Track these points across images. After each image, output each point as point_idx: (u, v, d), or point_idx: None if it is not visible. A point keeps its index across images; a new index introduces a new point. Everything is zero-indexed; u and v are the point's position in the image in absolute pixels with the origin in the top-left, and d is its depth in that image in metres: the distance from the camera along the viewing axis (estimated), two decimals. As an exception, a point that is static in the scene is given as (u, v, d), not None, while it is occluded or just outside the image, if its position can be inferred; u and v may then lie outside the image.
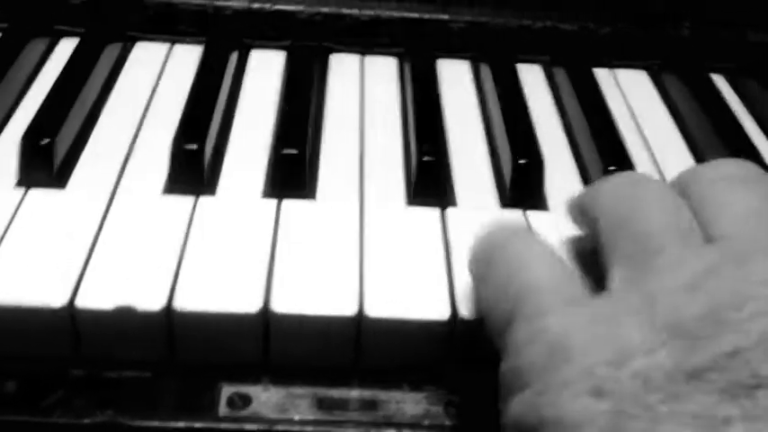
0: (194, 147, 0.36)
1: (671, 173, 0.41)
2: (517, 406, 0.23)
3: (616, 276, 0.25)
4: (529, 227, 0.35)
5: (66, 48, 0.45)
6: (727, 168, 0.28)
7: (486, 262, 0.28)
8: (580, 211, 0.30)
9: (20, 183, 0.36)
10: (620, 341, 0.22)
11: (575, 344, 0.22)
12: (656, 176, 0.40)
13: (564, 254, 0.32)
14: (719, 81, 0.48)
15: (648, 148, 0.42)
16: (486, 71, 0.47)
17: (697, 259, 0.23)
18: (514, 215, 0.36)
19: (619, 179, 0.29)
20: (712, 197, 0.26)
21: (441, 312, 0.30)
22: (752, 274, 0.22)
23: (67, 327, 0.29)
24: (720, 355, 0.21)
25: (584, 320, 0.23)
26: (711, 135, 0.42)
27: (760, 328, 0.21)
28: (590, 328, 0.23)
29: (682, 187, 0.28)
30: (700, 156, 0.42)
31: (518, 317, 0.25)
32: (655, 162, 0.41)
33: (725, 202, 0.26)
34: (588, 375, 0.21)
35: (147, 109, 0.42)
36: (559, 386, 0.22)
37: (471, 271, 0.29)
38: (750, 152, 0.40)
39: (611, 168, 0.38)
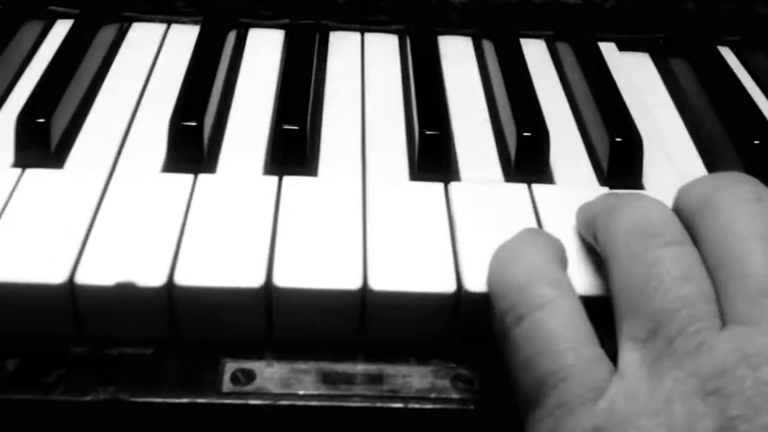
0: (193, 123, 0.36)
1: (675, 147, 0.40)
2: None
3: (630, 359, 0.25)
4: (533, 201, 0.35)
5: (61, 29, 0.45)
6: (743, 195, 0.26)
7: (507, 310, 0.27)
8: (590, 232, 0.29)
9: (17, 163, 0.35)
10: None
11: None
12: (663, 152, 0.39)
13: (571, 233, 0.31)
14: (727, 54, 0.48)
15: (654, 122, 0.42)
16: (488, 46, 0.46)
17: (711, 353, 0.23)
18: (519, 189, 0.36)
19: (632, 222, 0.27)
20: (726, 253, 0.25)
21: (445, 285, 0.30)
22: (764, 380, 0.22)
23: (68, 303, 0.29)
24: None
25: (608, 421, 0.23)
26: (717, 108, 0.41)
27: None
28: (601, 428, 0.23)
29: (693, 219, 0.26)
30: (700, 131, 0.41)
31: (542, 405, 0.25)
32: (660, 136, 0.41)
33: (744, 269, 0.24)
34: None
35: (144, 89, 0.41)
36: None
37: (495, 328, 0.28)
38: (762, 127, 0.39)
39: (618, 140, 0.37)
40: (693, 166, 0.39)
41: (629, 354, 0.25)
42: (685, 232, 0.27)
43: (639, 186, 0.37)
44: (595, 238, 0.29)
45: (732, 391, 0.22)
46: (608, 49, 0.47)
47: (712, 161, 0.40)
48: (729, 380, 0.22)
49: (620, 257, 0.27)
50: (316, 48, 0.45)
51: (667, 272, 0.25)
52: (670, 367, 0.23)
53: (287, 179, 0.35)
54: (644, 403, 0.23)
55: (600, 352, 0.25)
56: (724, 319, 0.24)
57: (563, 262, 0.28)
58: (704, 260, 0.26)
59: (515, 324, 0.26)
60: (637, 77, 0.46)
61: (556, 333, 0.25)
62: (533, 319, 0.26)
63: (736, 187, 0.27)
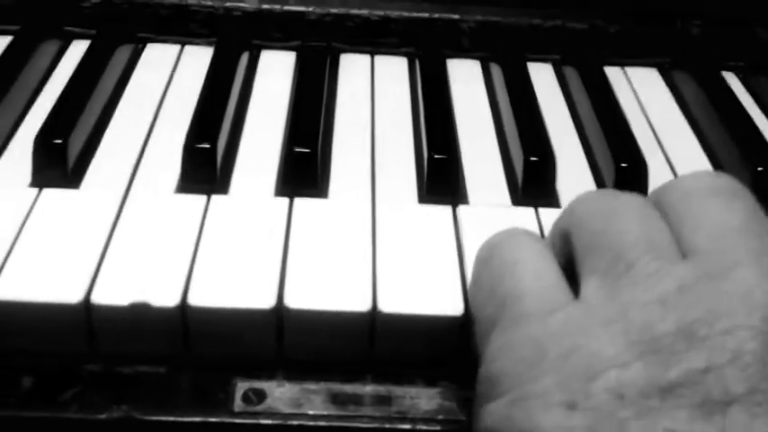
0: (207, 145, 0.37)
1: (683, 170, 0.41)
2: (491, 414, 0.23)
3: (590, 286, 0.25)
4: (540, 225, 0.35)
5: (77, 50, 0.46)
6: (705, 181, 0.27)
7: (482, 262, 0.28)
8: (560, 234, 0.30)
9: (34, 182, 0.36)
10: (593, 354, 0.22)
11: (549, 355, 0.23)
12: (669, 175, 0.40)
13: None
14: (731, 79, 0.48)
15: (661, 146, 0.42)
16: (496, 70, 0.47)
17: (671, 274, 0.23)
18: (526, 213, 0.36)
19: (594, 194, 0.28)
20: (688, 211, 0.26)
21: (454, 308, 0.30)
22: (725, 290, 0.22)
23: (83, 323, 0.30)
24: (693, 372, 0.21)
25: (560, 331, 0.23)
26: (724, 133, 0.42)
27: (732, 345, 0.21)
28: (565, 339, 0.23)
29: (659, 200, 0.27)
30: (712, 153, 0.42)
31: (499, 323, 0.25)
32: (668, 160, 0.41)
33: (701, 216, 0.25)
34: (562, 388, 0.22)
35: (158, 109, 0.42)
36: (534, 397, 0.22)
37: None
38: (764, 150, 0.40)
39: (624, 165, 0.38)
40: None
41: (589, 283, 0.25)
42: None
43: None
44: (564, 238, 0.29)
45: (692, 301, 0.22)
46: (614, 74, 0.48)
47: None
48: (689, 292, 0.22)
49: (582, 220, 0.27)
50: (326, 70, 0.45)
51: (628, 216, 0.26)
52: (627, 285, 0.23)
53: (298, 201, 0.35)
54: (599, 315, 0.23)
55: (563, 283, 0.25)
56: (685, 255, 0.24)
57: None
58: (668, 216, 0.26)
59: (487, 260, 0.27)
60: (645, 98, 0.46)
61: (520, 260, 0.26)
62: (501, 252, 0.27)
63: (700, 175, 0.28)
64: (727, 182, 0.27)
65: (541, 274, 0.26)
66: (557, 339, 0.23)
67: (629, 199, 0.27)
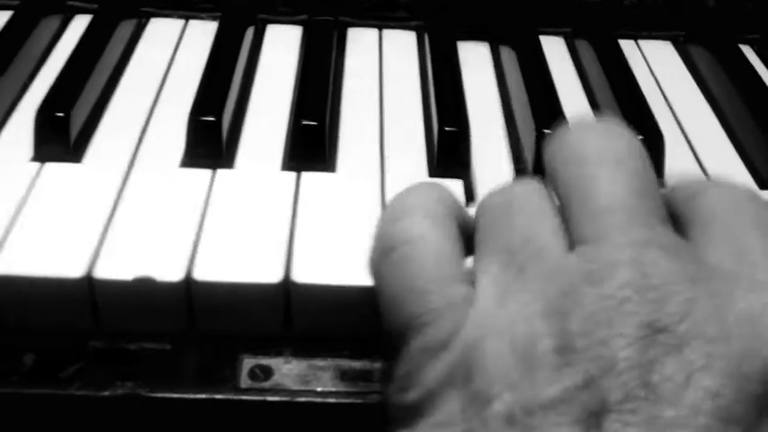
0: (211, 119, 0.36)
1: (700, 144, 0.40)
2: None
3: (482, 286, 0.24)
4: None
5: (79, 25, 0.45)
6: (592, 144, 0.26)
7: (382, 255, 0.26)
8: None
9: (36, 157, 0.35)
10: (488, 375, 0.22)
11: (455, 381, 0.22)
12: (686, 148, 0.39)
13: None
14: (747, 52, 0.47)
15: (677, 120, 0.41)
16: (506, 50, 0.46)
17: (554, 278, 0.23)
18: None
19: (499, 188, 0.27)
20: (575, 190, 0.25)
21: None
22: (605, 294, 0.21)
23: (86, 298, 0.29)
24: (572, 387, 0.20)
25: (461, 354, 0.23)
26: (741, 105, 0.41)
27: (610, 354, 0.20)
28: (465, 362, 0.22)
29: (551, 168, 0.26)
30: (729, 126, 0.41)
31: (408, 347, 0.24)
32: (684, 133, 0.40)
33: (586, 195, 0.24)
34: (462, 418, 0.22)
35: (162, 84, 0.41)
36: (435, 429, 0.22)
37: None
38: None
39: (640, 139, 0.37)
40: (726, 154, 0.39)
41: (483, 285, 0.24)
42: (539, 180, 0.27)
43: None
44: None
45: (572, 309, 0.22)
46: (628, 47, 0.46)
47: (742, 151, 0.39)
48: (571, 299, 0.22)
49: (482, 209, 0.27)
50: (334, 44, 0.44)
51: (520, 209, 0.25)
52: (516, 292, 0.23)
53: (305, 175, 0.34)
54: (490, 327, 0.23)
55: (467, 291, 0.25)
56: (572, 245, 0.24)
57: (450, 203, 0.27)
58: (558, 197, 0.26)
59: (382, 259, 0.26)
60: (660, 71, 0.45)
61: (422, 272, 0.25)
62: (399, 253, 0.25)
63: (591, 133, 0.27)
64: (609, 142, 0.26)
65: (447, 280, 0.25)
66: (458, 366, 0.23)
67: (524, 190, 0.26)
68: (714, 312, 0.21)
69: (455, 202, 0.27)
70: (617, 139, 0.26)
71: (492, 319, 0.23)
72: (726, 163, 0.39)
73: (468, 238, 0.27)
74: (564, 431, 0.20)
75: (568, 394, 0.20)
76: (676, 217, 0.26)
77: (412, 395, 0.24)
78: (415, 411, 0.23)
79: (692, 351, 0.20)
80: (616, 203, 0.24)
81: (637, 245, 0.22)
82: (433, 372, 0.23)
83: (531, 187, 0.26)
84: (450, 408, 0.22)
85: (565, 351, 0.21)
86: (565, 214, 0.25)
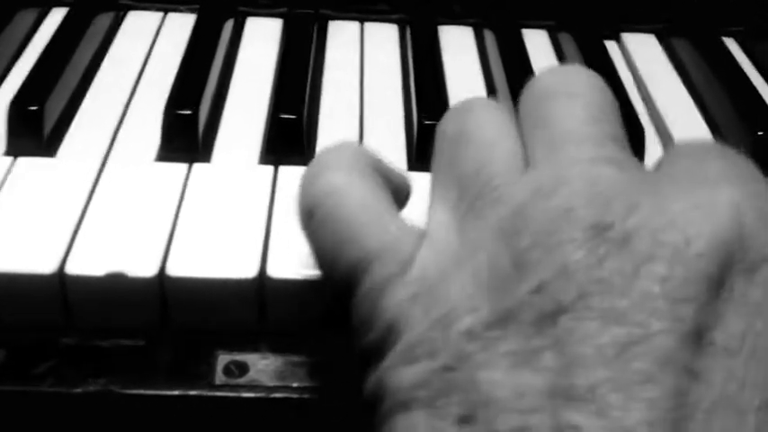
0: (187, 112, 0.35)
1: (680, 136, 0.39)
2: (370, 383, 0.23)
3: (438, 217, 0.25)
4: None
5: (56, 17, 0.44)
6: (552, 80, 0.26)
7: (304, 216, 0.26)
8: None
9: (8, 151, 0.35)
10: (449, 303, 0.22)
11: (410, 313, 0.23)
12: (661, 145, 0.38)
13: None
14: (731, 44, 0.47)
15: (658, 113, 0.41)
16: (489, 37, 0.45)
17: (506, 200, 0.23)
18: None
19: (452, 110, 0.27)
20: (533, 117, 0.26)
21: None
22: (554, 205, 0.22)
23: (58, 294, 0.28)
24: (526, 293, 0.21)
25: (420, 288, 0.23)
26: (724, 99, 0.41)
27: (560, 258, 0.21)
28: (424, 295, 0.23)
29: (519, 109, 0.27)
30: (711, 119, 0.41)
31: (357, 292, 0.24)
32: (666, 127, 0.40)
33: (543, 122, 0.25)
34: (425, 340, 0.22)
35: (139, 78, 0.40)
36: (401, 356, 0.22)
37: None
38: (764, 115, 0.39)
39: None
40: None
41: (438, 216, 0.25)
42: (501, 106, 0.27)
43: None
44: None
45: (524, 225, 0.22)
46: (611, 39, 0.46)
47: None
48: (522, 215, 0.22)
49: (436, 142, 0.27)
50: (314, 37, 0.44)
51: (472, 140, 0.25)
52: (472, 220, 0.23)
53: (283, 169, 0.34)
54: (450, 260, 0.23)
55: (403, 223, 0.25)
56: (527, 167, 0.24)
57: (367, 157, 0.27)
58: (520, 125, 0.26)
59: (308, 221, 0.25)
60: (642, 63, 0.45)
61: (352, 219, 0.24)
62: (324, 210, 0.25)
63: (555, 73, 0.27)
64: (568, 78, 0.26)
65: (379, 221, 0.24)
66: (418, 296, 0.23)
67: (481, 115, 0.26)
68: (659, 208, 0.21)
69: (373, 155, 0.27)
70: (574, 74, 0.27)
71: (451, 250, 0.23)
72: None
73: (394, 192, 0.27)
74: (522, 335, 0.20)
75: (523, 300, 0.21)
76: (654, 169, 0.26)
77: (373, 335, 0.23)
78: (381, 348, 0.23)
79: (639, 242, 0.21)
80: (569, 131, 0.24)
81: (586, 161, 0.23)
82: (390, 305, 0.23)
83: (484, 111, 0.26)
84: (412, 334, 0.22)
85: (519, 265, 0.21)
86: (524, 140, 0.25)
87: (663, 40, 0.47)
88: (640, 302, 0.20)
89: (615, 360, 0.19)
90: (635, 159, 0.24)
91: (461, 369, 0.21)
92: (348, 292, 0.24)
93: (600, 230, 0.21)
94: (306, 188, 0.26)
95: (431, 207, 0.25)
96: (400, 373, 0.22)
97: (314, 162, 0.27)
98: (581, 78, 0.26)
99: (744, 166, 0.24)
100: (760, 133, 0.37)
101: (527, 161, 0.25)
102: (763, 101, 0.40)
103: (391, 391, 0.22)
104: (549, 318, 0.20)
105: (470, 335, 0.21)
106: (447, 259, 0.23)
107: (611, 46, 0.46)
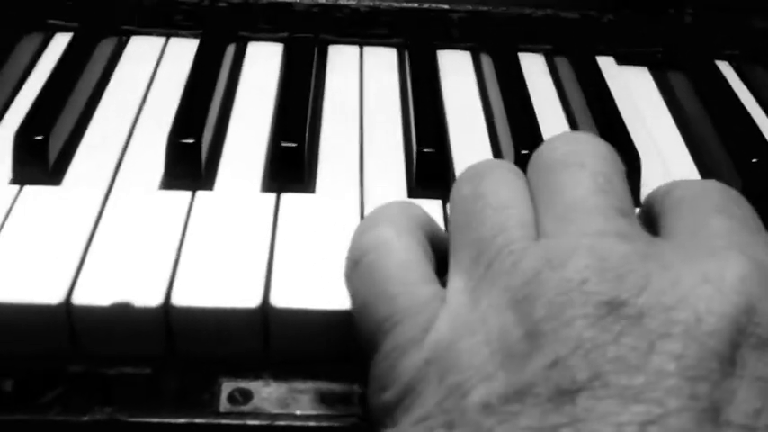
0: (191, 141, 0.36)
1: (674, 164, 0.40)
2: None
3: (454, 286, 0.25)
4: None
5: (60, 43, 0.45)
6: (560, 150, 0.27)
7: (350, 268, 0.28)
8: None
9: (14, 179, 0.35)
10: (463, 371, 0.22)
11: (430, 377, 0.23)
12: (661, 170, 0.39)
13: None
14: (725, 68, 0.48)
15: (652, 138, 0.42)
16: (487, 61, 0.46)
17: (519, 268, 0.23)
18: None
19: (465, 174, 0.28)
20: (543, 186, 0.26)
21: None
22: (566, 278, 0.22)
23: (65, 324, 0.29)
24: (543, 368, 0.21)
25: (435, 353, 0.23)
26: (716, 125, 0.41)
27: (575, 334, 0.21)
28: (440, 361, 0.23)
29: (529, 170, 0.28)
30: (698, 147, 0.41)
31: (380, 350, 0.25)
32: (659, 151, 0.41)
33: (552, 191, 0.26)
34: (441, 410, 0.22)
35: (143, 104, 0.41)
36: (420, 422, 0.23)
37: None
38: (759, 142, 0.39)
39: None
40: (690, 177, 0.40)
41: (455, 282, 0.25)
42: (516, 169, 0.28)
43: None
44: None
45: (537, 295, 0.22)
46: (606, 63, 0.47)
47: (710, 175, 0.40)
48: (535, 285, 0.22)
49: (453, 203, 0.28)
50: (314, 62, 0.45)
51: (488, 203, 0.26)
52: (487, 288, 0.24)
53: (285, 196, 0.34)
54: (463, 326, 0.23)
55: (435, 288, 0.25)
56: (539, 236, 0.25)
57: (416, 215, 0.28)
58: (531, 191, 0.27)
59: (352, 269, 0.27)
60: (635, 91, 0.46)
61: (389, 276, 0.26)
62: (367, 261, 0.26)
63: (560, 142, 0.28)
64: (577, 147, 0.27)
65: (414, 282, 0.25)
66: (433, 362, 0.23)
67: (491, 180, 0.27)
68: (669, 282, 0.22)
69: (423, 214, 0.28)
70: (582, 143, 0.27)
71: (465, 316, 0.24)
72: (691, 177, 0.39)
73: (441, 251, 0.27)
74: (537, 411, 0.21)
75: (539, 375, 0.21)
76: (656, 215, 0.27)
77: (389, 395, 0.24)
78: (396, 410, 0.24)
79: (652, 319, 0.21)
80: (577, 201, 0.25)
81: (595, 234, 0.24)
82: (408, 368, 0.24)
83: (499, 174, 0.27)
84: (428, 402, 0.23)
85: (533, 336, 0.22)
86: (535, 208, 0.26)
87: (657, 64, 0.48)
88: (656, 380, 0.20)
89: None
90: (641, 229, 0.25)
91: None
92: (371, 345, 0.25)
93: (613, 307, 0.21)
94: (356, 239, 0.28)
95: (450, 271, 0.26)
96: None
97: (369, 215, 0.28)
98: (589, 148, 0.27)
99: (744, 218, 0.25)
100: (754, 161, 0.38)
101: (538, 228, 0.25)
102: (755, 126, 0.41)
103: None
104: (567, 394, 0.20)
105: (487, 408, 0.21)
106: (461, 326, 0.23)
107: (608, 62, 0.47)
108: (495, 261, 0.24)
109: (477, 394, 0.22)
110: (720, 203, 0.26)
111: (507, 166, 0.28)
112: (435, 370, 0.23)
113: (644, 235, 0.25)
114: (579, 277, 0.22)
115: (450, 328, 0.24)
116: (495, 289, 0.24)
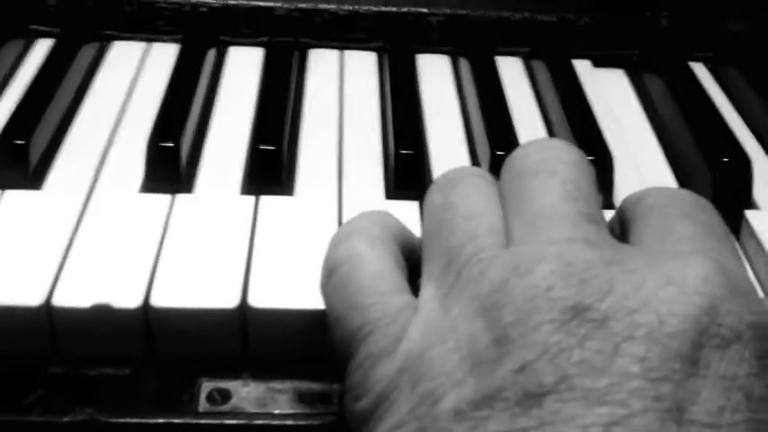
0: (170, 144, 0.36)
1: (647, 165, 0.41)
2: None
3: (426, 294, 0.26)
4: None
5: (42, 48, 0.45)
6: (530, 158, 0.27)
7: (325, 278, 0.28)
8: None
9: (-4, 184, 0.35)
10: (434, 378, 0.23)
11: (402, 385, 0.24)
12: (634, 172, 0.40)
13: None
14: (700, 70, 0.48)
15: (626, 140, 0.42)
16: (465, 64, 0.47)
17: (487, 276, 0.24)
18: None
19: (436, 184, 0.29)
20: (512, 193, 0.27)
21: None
22: (532, 284, 0.23)
23: (45, 325, 0.29)
24: (511, 373, 0.21)
25: (407, 362, 0.24)
26: (690, 125, 0.42)
27: (542, 339, 0.22)
28: (412, 369, 0.24)
29: (500, 185, 0.28)
30: (672, 148, 0.42)
31: (353, 359, 0.26)
32: (633, 153, 0.41)
33: (520, 199, 0.26)
34: (413, 417, 0.23)
35: (123, 108, 0.41)
36: (392, 430, 0.23)
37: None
38: (730, 144, 0.40)
39: (590, 159, 0.38)
40: (663, 178, 0.40)
41: (427, 291, 0.26)
42: (488, 177, 0.28)
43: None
44: None
45: (504, 302, 0.23)
46: (583, 66, 0.48)
47: (683, 176, 0.40)
48: (502, 293, 0.23)
49: (425, 211, 0.28)
50: (294, 66, 0.45)
51: (458, 213, 0.26)
52: (456, 296, 0.24)
53: (263, 199, 0.35)
54: (434, 333, 0.24)
55: (407, 298, 0.26)
56: (508, 243, 0.25)
57: (390, 225, 0.29)
58: (502, 198, 0.27)
59: (327, 280, 0.27)
60: (611, 93, 0.46)
61: (362, 286, 0.26)
62: (340, 272, 0.27)
63: (531, 150, 0.28)
64: (548, 154, 0.27)
65: (386, 293, 0.26)
66: (405, 371, 0.24)
67: (462, 190, 0.27)
68: (633, 286, 0.22)
69: (397, 224, 0.29)
70: (554, 150, 0.28)
71: (436, 324, 0.24)
72: (664, 179, 0.40)
73: (415, 260, 0.28)
74: (509, 416, 0.21)
75: (508, 380, 0.21)
76: (628, 222, 0.28)
77: (364, 403, 0.25)
78: (371, 418, 0.24)
79: (617, 323, 0.22)
80: (546, 209, 0.25)
81: (563, 241, 0.24)
82: (381, 377, 0.24)
83: (470, 182, 0.28)
84: (401, 410, 0.23)
85: (502, 342, 0.22)
86: (506, 223, 0.26)
87: (633, 66, 0.49)
88: (620, 382, 0.21)
89: None
90: (609, 236, 0.25)
91: None
92: (346, 354, 0.26)
93: (578, 312, 0.22)
94: (331, 250, 0.28)
95: (422, 279, 0.26)
96: None
97: (343, 226, 0.29)
98: (560, 155, 0.27)
99: (710, 224, 0.25)
100: (725, 160, 0.38)
101: (508, 235, 0.25)
102: (727, 129, 0.41)
103: None
104: (534, 398, 0.21)
105: (458, 414, 0.22)
106: (432, 334, 0.24)
107: (584, 66, 0.48)
108: (464, 269, 0.24)
109: (449, 401, 0.22)
110: (687, 210, 0.26)
111: (479, 174, 0.29)
112: (408, 378, 0.24)
113: (611, 241, 0.25)
114: (545, 283, 0.22)
115: (421, 337, 0.24)
116: (464, 297, 0.24)
